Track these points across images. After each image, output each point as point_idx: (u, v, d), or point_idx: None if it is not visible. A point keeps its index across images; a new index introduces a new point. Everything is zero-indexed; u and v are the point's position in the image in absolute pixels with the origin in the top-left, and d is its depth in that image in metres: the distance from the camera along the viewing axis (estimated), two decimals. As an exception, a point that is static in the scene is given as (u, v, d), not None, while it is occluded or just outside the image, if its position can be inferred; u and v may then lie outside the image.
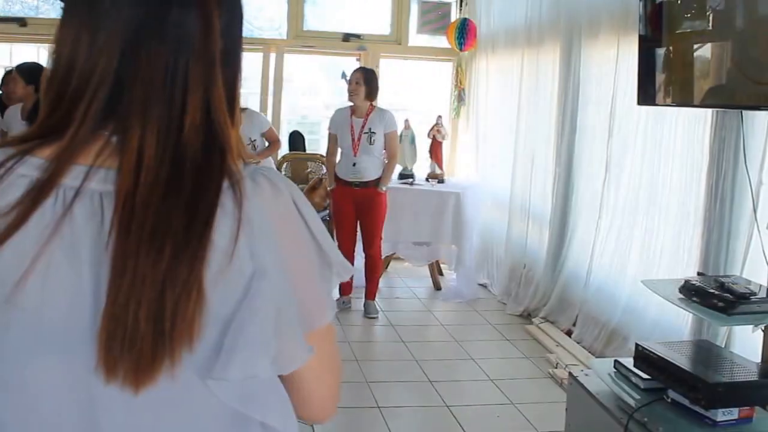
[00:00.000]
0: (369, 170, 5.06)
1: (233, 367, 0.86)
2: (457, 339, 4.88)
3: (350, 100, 5.10)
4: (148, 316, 0.81)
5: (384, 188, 5.11)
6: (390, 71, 7.07)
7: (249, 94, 6.72)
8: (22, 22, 6.41)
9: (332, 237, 5.20)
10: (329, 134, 5.27)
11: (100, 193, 0.84)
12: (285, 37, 6.95)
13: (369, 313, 5.26)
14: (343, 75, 5.61)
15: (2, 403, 0.89)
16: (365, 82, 5.01)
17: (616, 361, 2.68)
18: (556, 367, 4.25)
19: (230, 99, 0.93)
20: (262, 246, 0.87)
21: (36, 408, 0.89)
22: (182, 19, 0.88)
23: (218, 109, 0.89)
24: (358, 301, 5.40)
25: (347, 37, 7.01)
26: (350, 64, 7.02)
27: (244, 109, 5.31)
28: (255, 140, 5.33)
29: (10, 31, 5.96)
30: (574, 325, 4.67)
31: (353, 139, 5.05)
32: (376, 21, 7.16)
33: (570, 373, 2.88)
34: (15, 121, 4.54)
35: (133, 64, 0.86)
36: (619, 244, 4.27)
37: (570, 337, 4.62)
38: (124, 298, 0.82)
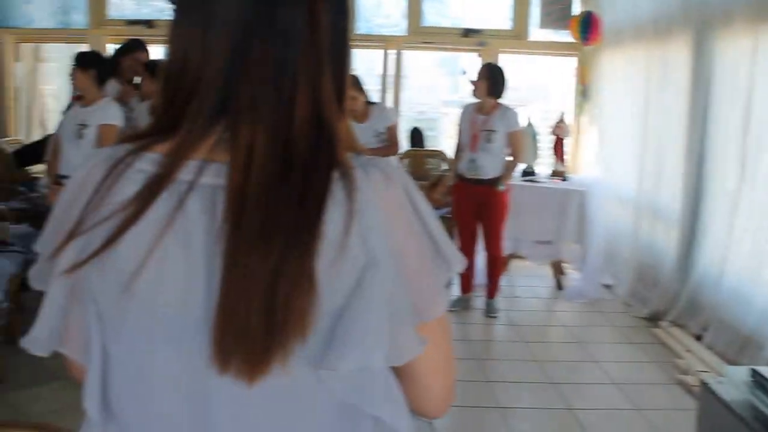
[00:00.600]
0: (487, 167, 4.98)
1: (345, 358, 0.86)
2: (580, 340, 4.76)
3: (474, 96, 5.05)
4: (260, 309, 0.83)
5: (503, 187, 5.01)
6: (511, 67, 7.00)
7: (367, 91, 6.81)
8: (149, 24, 6.72)
9: (452, 234, 5.25)
10: (458, 129, 5.23)
11: (213, 187, 0.86)
12: (403, 33, 6.97)
13: (490, 312, 5.20)
14: (463, 72, 5.56)
15: (121, 392, 0.94)
16: (488, 78, 4.94)
17: (752, 369, 2.54)
18: (685, 374, 4.07)
19: (338, 93, 0.93)
20: (374, 237, 0.87)
21: (151, 397, 0.92)
22: (290, 15, 0.88)
23: (327, 103, 0.90)
24: (478, 299, 5.35)
25: (467, 33, 6.96)
26: (469, 60, 6.98)
27: (374, 103, 5.32)
28: (383, 132, 5.28)
29: (139, 34, 6.28)
30: (704, 329, 4.46)
31: (473, 136, 5.00)
32: (497, 15, 7.08)
33: (702, 381, 2.75)
34: (144, 118, 4.73)
35: (243, 61, 0.88)
36: (756, 245, 4.05)
37: (700, 342, 4.42)
38: (236, 292, 0.83)
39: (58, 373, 0.84)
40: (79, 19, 6.82)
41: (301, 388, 0.90)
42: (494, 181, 5.00)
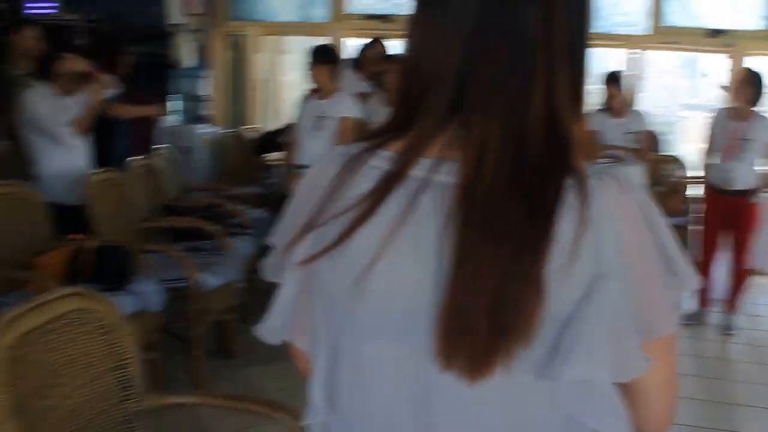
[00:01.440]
0: (741, 178, 4.64)
1: (569, 368, 0.84)
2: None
3: (731, 101, 4.72)
4: (486, 309, 0.82)
5: (758, 199, 4.66)
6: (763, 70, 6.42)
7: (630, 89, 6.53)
8: (386, 18, 6.84)
9: (689, 244, 4.92)
10: (709, 135, 4.88)
11: (446, 185, 0.86)
12: (644, 32, 6.60)
13: (727, 328, 4.81)
14: (722, 86, 5.19)
15: (346, 384, 0.95)
16: (752, 84, 4.57)
17: None
18: None
19: (574, 95, 0.90)
20: (606, 247, 0.85)
21: (375, 391, 0.93)
22: (525, 12, 0.86)
23: (561, 103, 0.87)
24: (715, 315, 4.97)
25: (714, 33, 6.46)
26: (714, 61, 6.50)
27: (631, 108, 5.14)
28: (634, 133, 5.00)
29: (376, 28, 6.40)
30: None
31: (727, 144, 4.66)
32: (746, 14, 6.51)
33: None
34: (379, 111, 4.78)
35: (477, 58, 0.86)
36: None
37: None
38: (463, 290, 0.83)
39: (288, 354, 0.89)
40: (319, 12, 7.10)
41: (523, 393, 0.89)
42: (748, 192, 4.64)
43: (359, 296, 0.90)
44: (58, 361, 1.81)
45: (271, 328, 1.01)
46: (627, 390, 0.92)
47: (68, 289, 1.95)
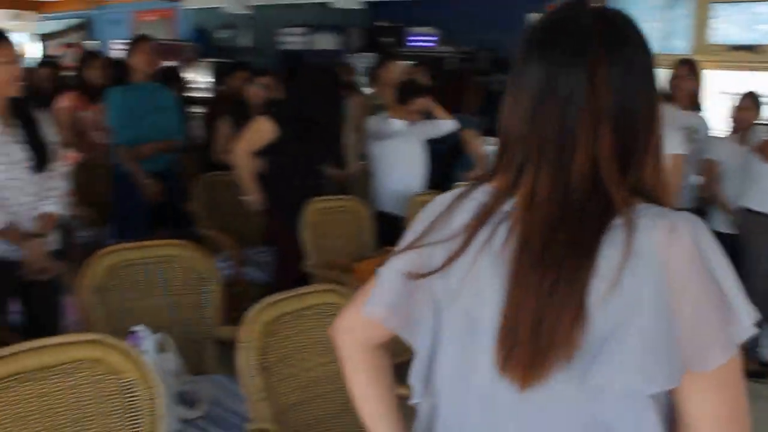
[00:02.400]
0: None
1: (603, 373, 0.98)
2: None
3: None
4: (528, 325, 0.99)
5: None
6: None
7: None
8: (753, 49, 6.44)
9: None
10: None
11: (516, 219, 1.04)
12: None
13: None
14: None
15: (441, 373, 1.17)
16: None
17: None
18: None
19: (623, 149, 1.01)
20: (647, 280, 0.95)
21: (463, 384, 1.13)
22: (570, 80, 1.00)
23: (604, 161, 0.99)
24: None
25: None
26: None
27: None
28: None
29: (741, 60, 6.09)
30: None
31: None
32: None
33: None
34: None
35: (534, 121, 1.03)
36: None
37: None
38: (513, 306, 1.01)
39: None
40: (681, 44, 6.94)
41: (565, 402, 1.02)
42: None
43: (454, 306, 1.12)
44: (304, 341, 2.30)
45: (374, 307, 1.21)
46: (681, 422, 1.01)
47: (326, 285, 2.45)
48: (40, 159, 2.92)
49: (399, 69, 5.22)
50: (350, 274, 3.68)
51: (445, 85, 5.33)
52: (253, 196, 3.86)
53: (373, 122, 4.57)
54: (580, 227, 0.99)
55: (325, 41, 8.40)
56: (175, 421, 2.39)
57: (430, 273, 1.12)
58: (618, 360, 0.97)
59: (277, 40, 8.55)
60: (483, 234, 1.07)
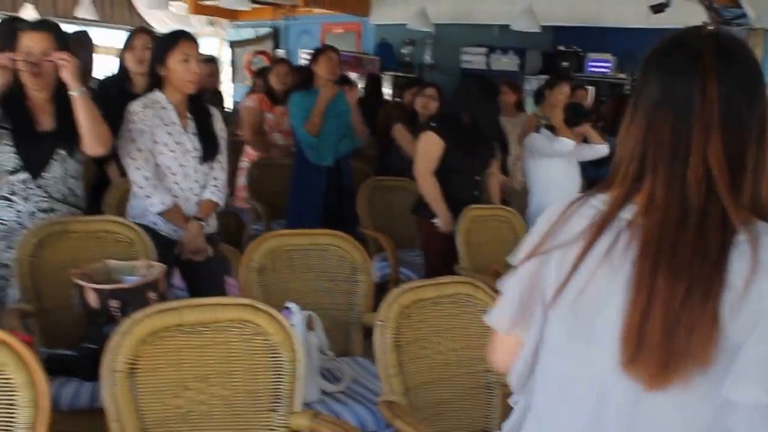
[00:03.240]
0: None
1: (738, 389, 1.01)
2: None
3: None
4: (662, 331, 1.03)
5: None
6: None
7: None
8: None
9: None
10: None
11: (635, 225, 1.10)
12: None
13: None
14: None
15: (540, 371, 1.25)
16: None
17: None
18: None
19: (734, 159, 1.07)
20: None
21: (565, 384, 1.19)
22: (684, 88, 1.09)
23: (715, 166, 1.06)
24: None
25: None
26: None
27: None
28: None
29: None
30: None
31: None
32: None
33: None
34: None
35: (650, 125, 1.12)
36: None
37: None
38: (639, 312, 1.05)
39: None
40: None
41: (689, 408, 1.06)
42: None
43: (564, 309, 1.17)
44: (439, 326, 2.42)
45: (499, 318, 1.30)
46: None
47: (464, 278, 2.55)
48: (208, 150, 3.23)
49: (566, 91, 5.27)
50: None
51: (614, 109, 5.30)
52: (443, 218, 3.98)
53: (538, 139, 4.62)
54: (701, 236, 1.04)
55: (505, 62, 8.50)
56: (318, 392, 2.58)
57: (563, 287, 1.16)
58: (751, 373, 1.01)
59: (457, 59, 8.75)
60: (603, 240, 1.12)
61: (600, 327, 1.12)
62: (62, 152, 2.95)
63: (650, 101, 1.12)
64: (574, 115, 4.57)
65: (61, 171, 2.96)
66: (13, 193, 2.89)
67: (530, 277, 1.23)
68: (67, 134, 2.91)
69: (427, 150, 3.96)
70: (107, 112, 3.02)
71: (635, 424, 1.10)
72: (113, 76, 4.07)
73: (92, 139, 2.89)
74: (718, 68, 1.07)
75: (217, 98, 6.09)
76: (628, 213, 1.12)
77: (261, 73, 6.28)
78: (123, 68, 3.93)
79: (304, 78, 4.90)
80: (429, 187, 3.96)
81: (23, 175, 2.88)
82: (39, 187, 2.92)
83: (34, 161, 2.89)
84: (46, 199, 2.94)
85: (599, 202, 1.17)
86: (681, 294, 1.03)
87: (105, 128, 2.95)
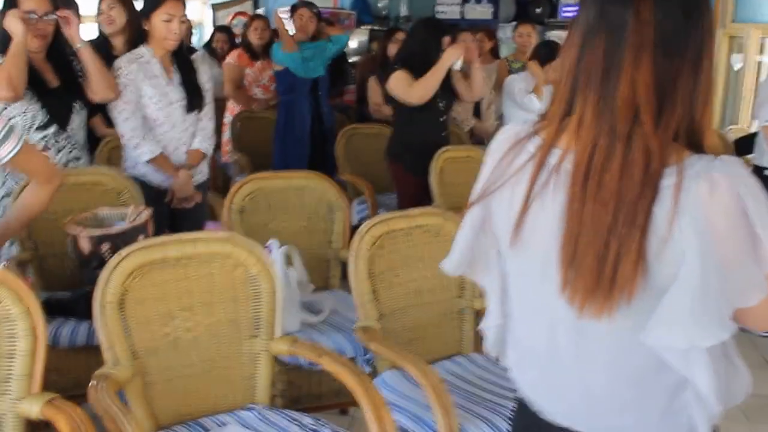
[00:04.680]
0: None
1: (652, 336, 1.07)
2: None
3: None
4: (593, 257, 1.07)
5: None
6: None
7: None
8: None
9: None
10: None
11: (567, 169, 1.13)
12: None
13: None
14: None
15: (512, 299, 1.30)
16: None
17: None
18: None
19: (663, 83, 1.07)
20: (694, 232, 1.03)
21: (527, 308, 1.26)
22: (618, 13, 1.09)
23: (642, 90, 1.06)
24: None
25: None
26: None
27: None
28: None
29: None
30: None
31: None
32: None
33: None
34: None
35: (583, 49, 1.12)
36: None
37: None
38: (572, 238, 1.10)
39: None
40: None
41: (624, 340, 1.13)
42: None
43: (515, 243, 1.20)
44: (411, 255, 2.56)
45: (451, 262, 1.35)
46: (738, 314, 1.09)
47: (434, 209, 2.69)
48: (193, 100, 3.35)
49: (526, 31, 5.37)
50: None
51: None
52: (450, 58, 3.97)
53: (515, 81, 4.68)
54: (626, 166, 1.05)
55: (480, 10, 8.53)
56: (299, 323, 2.73)
57: (510, 226, 1.19)
58: (673, 316, 1.05)
59: (433, 10, 8.78)
60: (542, 174, 1.16)
61: (545, 259, 1.15)
62: (77, 104, 3.19)
63: (585, 26, 1.12)
64: (547, 52, 4.65)
65: (79, 121, 3.22)
66: (46, 148, 3.09)
67: (480, 222, 1.28)
68: (74, 87, 3.15)
69: (402, 83, 3.99)
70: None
71: (581, 351, 1.18)
72: (94, 41, 4.13)
73: (102, 85, 3.13)
74: None
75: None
76: (557, 155, 1.14)
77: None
78: (101, 33, 4.02)
79: (277, 34, 5.06)
80: (422, 87, 3.93)
81: (53, 129, 3.09)
82: (67, 138, 3.15)
83: (59, 114, 3.11)
84: (73, 149, 3.18)
85: (533, 146, 1.19)
86: (608, 222, 1.05)
87: (111, 75, 3.18)
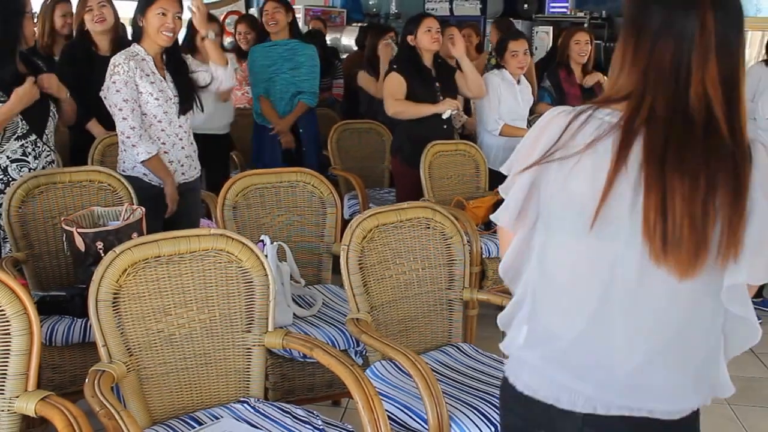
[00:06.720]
0: None
1: (735, 276, 1.24)
2: None
3: None
4: (689, 225, 1.21)
5: None
6: None
7: None
8: None
9: None
10: None
11: (638, 133, 1.27)
12: None
13: None
14: None
15: (550, 260, 1.40)
16: None
17: None
18: None
19: (727, 80, 1.25)
20: (759, 188, 1.23)
21: (571, 269, 1.36)
22: (685, 20, 1.26)
23: (711, 86, 1.24)
24: None
25: None
26: None
27: None
28: None
29: None
30: None
31: None
32: None
33: None
34: None
35: (653, 51, 1.28)
36: None
37: None
38: (654, 209, 1.22)
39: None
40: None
41: (695, 291, 1.28)
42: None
43: (600, 209, 1.27)
44: (401, 248, 2.60)
45: (503, 215, 1.42)
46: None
47: (423, 203, 2.73)
48: (186, 98, 3.37)
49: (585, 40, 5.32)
50: (463, 210, 3.99)
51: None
52: (438, 109, 4.15)
53: (489, 78, 4.65)
54: (710, 144, 1.23)
55: (468, 7, 8.59)
56: (292, 317, 2.77)
57: (597, 195, 1.28)
58: (747, 260, 1.23)
59: (422, 7, 8.81)
60: (602, 145, 1.27)
61: (609, 223, 1.27)
62: (53, 108, 3.17)
63: (652, 31, 1.28)
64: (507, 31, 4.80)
65: (53, 125, 3.19)
66: (25, 155, 3.08)
67: (530, 186, 1.37)
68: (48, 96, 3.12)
69: (393, 90, 4.10)
70: (75, 72, 3.25)
71: (637, 302, 1.29)
72: (76, 39, 4.13)
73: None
74: (713, 4, 1.25)
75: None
76: (636, 123, 1.27)
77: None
78: (82, 30, 3.99)
79: (260, 32, 4.98)
80: (401, 107, 4.09)
81: (32, 137, 3.08)
82: (45, 143, 3.13)
83: (38, 123, 3.09)
84: (50, 153, 3.17)
85: (606, 115, 1.30)
86: (702, 192, 1.20)
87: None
